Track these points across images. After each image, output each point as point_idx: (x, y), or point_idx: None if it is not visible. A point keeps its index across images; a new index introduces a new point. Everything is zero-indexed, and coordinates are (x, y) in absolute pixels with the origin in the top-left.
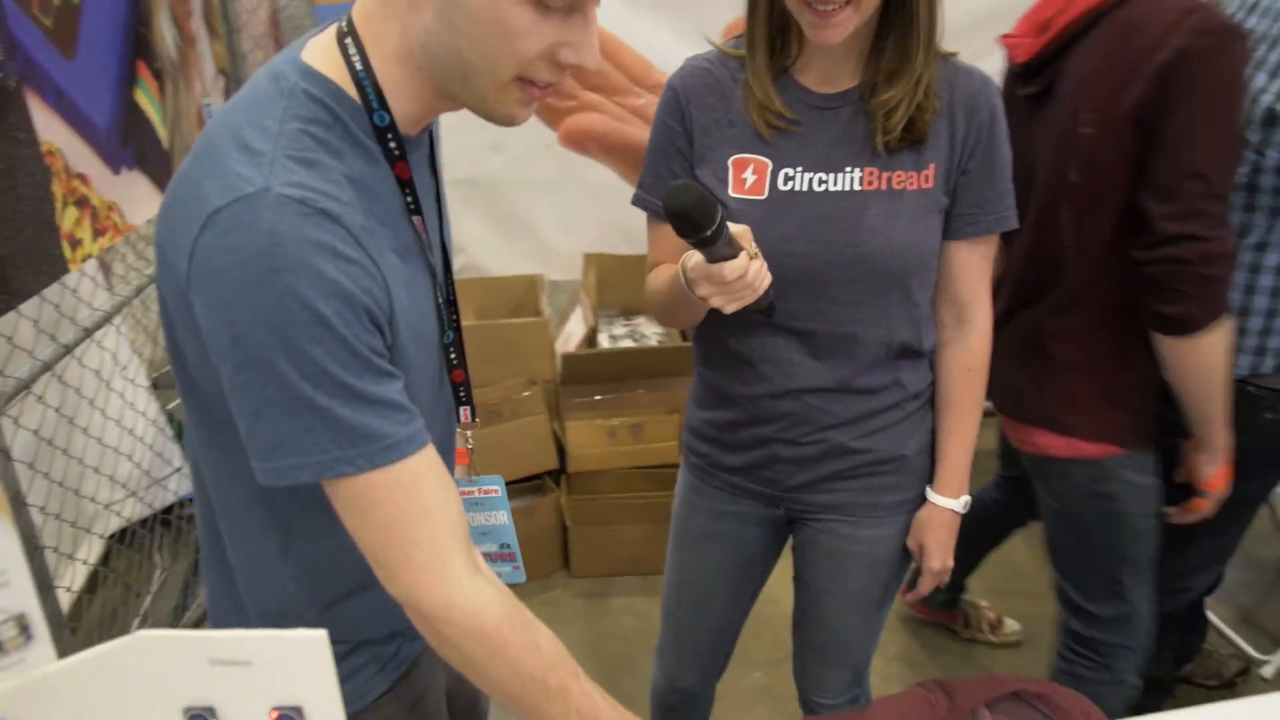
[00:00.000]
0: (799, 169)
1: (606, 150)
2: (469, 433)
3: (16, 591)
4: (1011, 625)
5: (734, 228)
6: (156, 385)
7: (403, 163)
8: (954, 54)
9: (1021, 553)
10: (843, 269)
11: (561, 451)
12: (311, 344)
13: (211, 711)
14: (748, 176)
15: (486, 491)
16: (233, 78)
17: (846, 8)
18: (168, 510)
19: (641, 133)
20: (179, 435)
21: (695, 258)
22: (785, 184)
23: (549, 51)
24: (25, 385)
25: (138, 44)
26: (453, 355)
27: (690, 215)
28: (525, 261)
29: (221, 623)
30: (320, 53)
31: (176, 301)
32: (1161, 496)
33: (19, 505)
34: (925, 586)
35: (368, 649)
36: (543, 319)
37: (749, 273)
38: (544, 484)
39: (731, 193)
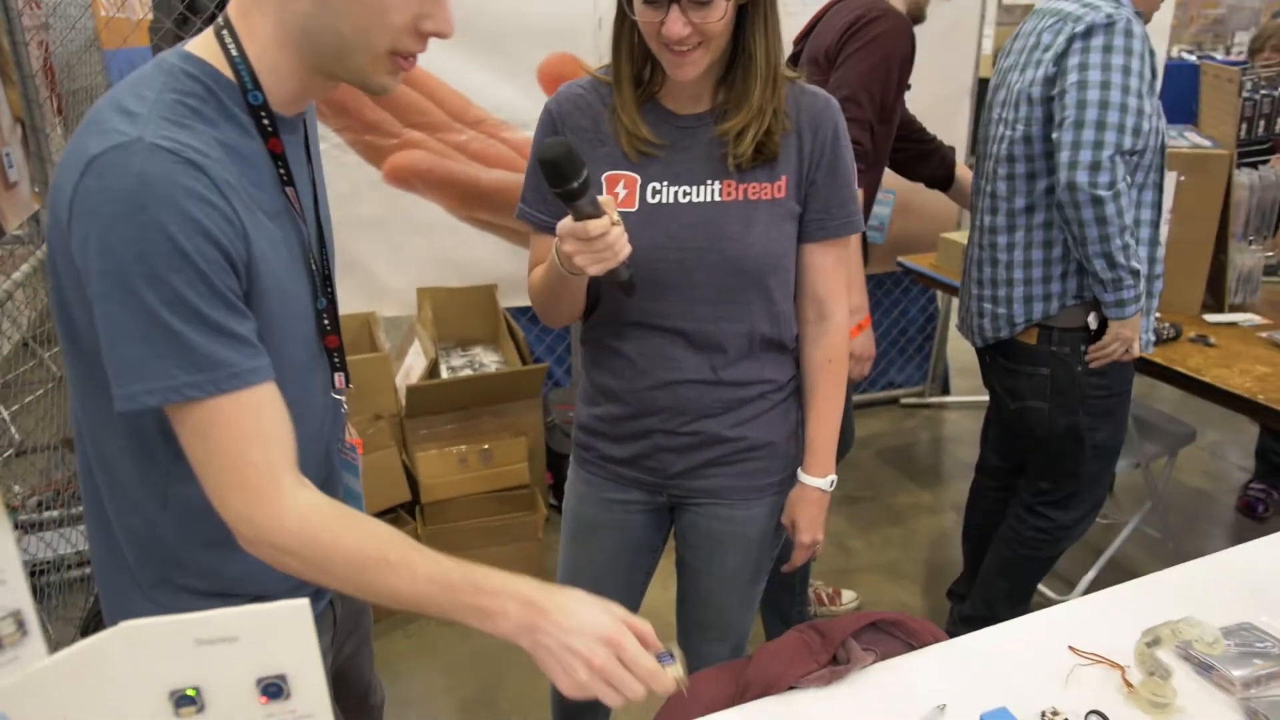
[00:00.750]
0: (665, 183)
1: (431, 185)
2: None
3: (13, 589)
4: (849, 595)
5: (601, 198)
6: None
7: (275, 139)
8: (798, 77)
9: (838, 534)
10: (707, 271)
11: (413, 483)
12: (171, 273)
13: (198, 691)
14: (619, 191)
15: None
16: (29, 125)
17: (697, 49)
18: None
19: (464, 167)
20: None
21: (566, 223)
22: (653, 197)
23: (412, 23)
24: None
25: None
26: (326, 321)
27: (559, 164)
28: (358, 299)
29: (110, 589)
30: (199, 44)
31: (63, 254)
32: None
33: None
34: (798, 558)
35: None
36: (382, 354)
37: (610, 234)
38: (398, 517)
39: None
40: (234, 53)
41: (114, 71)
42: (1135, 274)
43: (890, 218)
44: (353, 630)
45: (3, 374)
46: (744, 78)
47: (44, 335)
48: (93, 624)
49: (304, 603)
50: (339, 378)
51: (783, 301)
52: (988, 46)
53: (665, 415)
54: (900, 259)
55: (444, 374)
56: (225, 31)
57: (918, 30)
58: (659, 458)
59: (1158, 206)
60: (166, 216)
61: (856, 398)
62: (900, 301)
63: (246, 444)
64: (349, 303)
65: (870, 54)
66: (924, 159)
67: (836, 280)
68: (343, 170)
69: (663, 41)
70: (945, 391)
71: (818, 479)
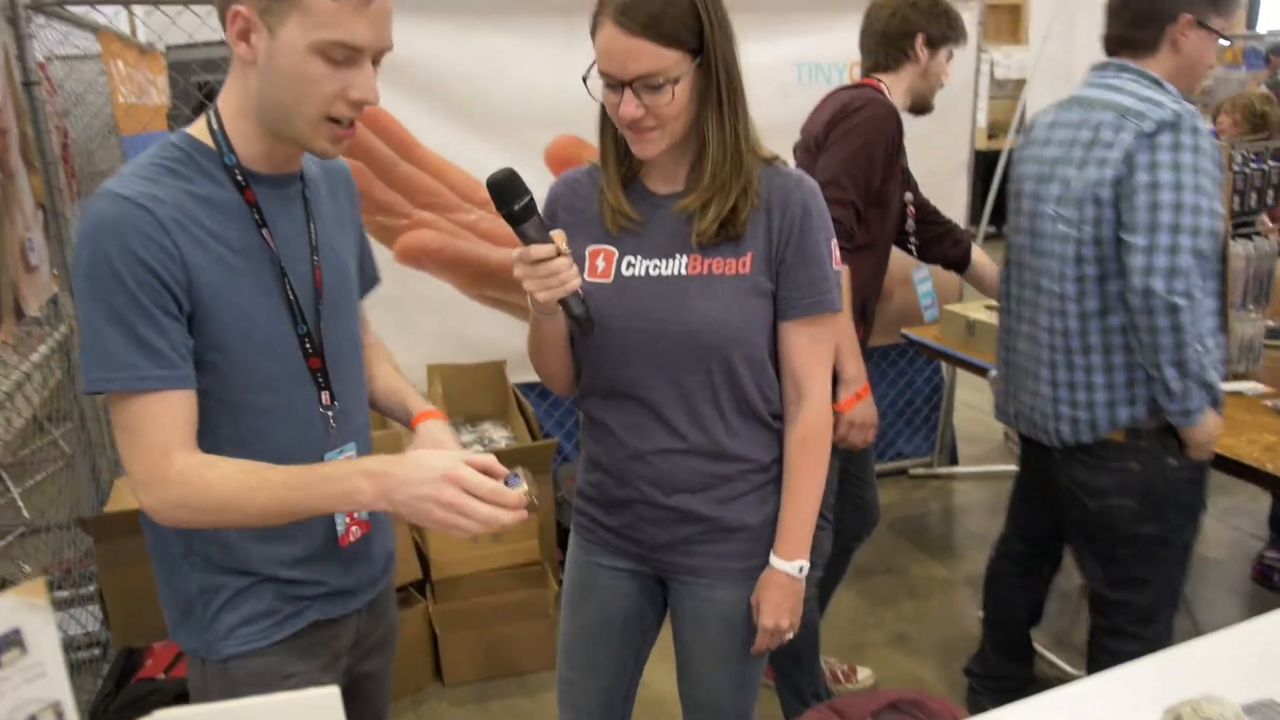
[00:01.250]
0: (639, 257)
1: (441, 264)
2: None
3: (53, 681)
4: (864, 672)
5: (553, 232)
6: None
7: (249, 190)
8: (775, 158)
9: (851, 609)
10: (671, 341)
11: (424, 561)
12: (109, 292)
13: None
14: (599, 263)
15: (348, 458)
16: (50, 209)
17: (654, 130)
18: None
19: (474, 246)
20: None
21: (518, 249)
22: (628, 270)
23: (340, 93)
24: None
25: None
26: (308, 345)
27: (503, 186)
28: None
29: (156, 555)
30: (196, 124)
31: None
32: None
33: None
34: (759, 643)
35: (268, 590)
36: (392, 431)
37: (555, 262)
38: (409, 595)
39: (586, 276)
40: (214, 126)
41: (130, 156)
42: (1206, 386)
43: (935, 293)
44: (374, 650)
45: (14, 452)
46: (700, 161)
47: (58, 413)
48: (101, 707)
49: (334, 690)
50: (325, 395)
51: (751, 376)
52: (981, 119)
53: (644, 486)
54: (904, 331)
55: None
56: (211, 112)
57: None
58: (642, 529)
59: (1222, 295)
60: (110, 246)
61: None
62: (906, 372)
63: (148, 430)
64: None
65: (853, 139)
66: (937, 241)
67: (813, 359)
68: None
69: (622, 121)
70: (953, 461)
71: (785, 562)
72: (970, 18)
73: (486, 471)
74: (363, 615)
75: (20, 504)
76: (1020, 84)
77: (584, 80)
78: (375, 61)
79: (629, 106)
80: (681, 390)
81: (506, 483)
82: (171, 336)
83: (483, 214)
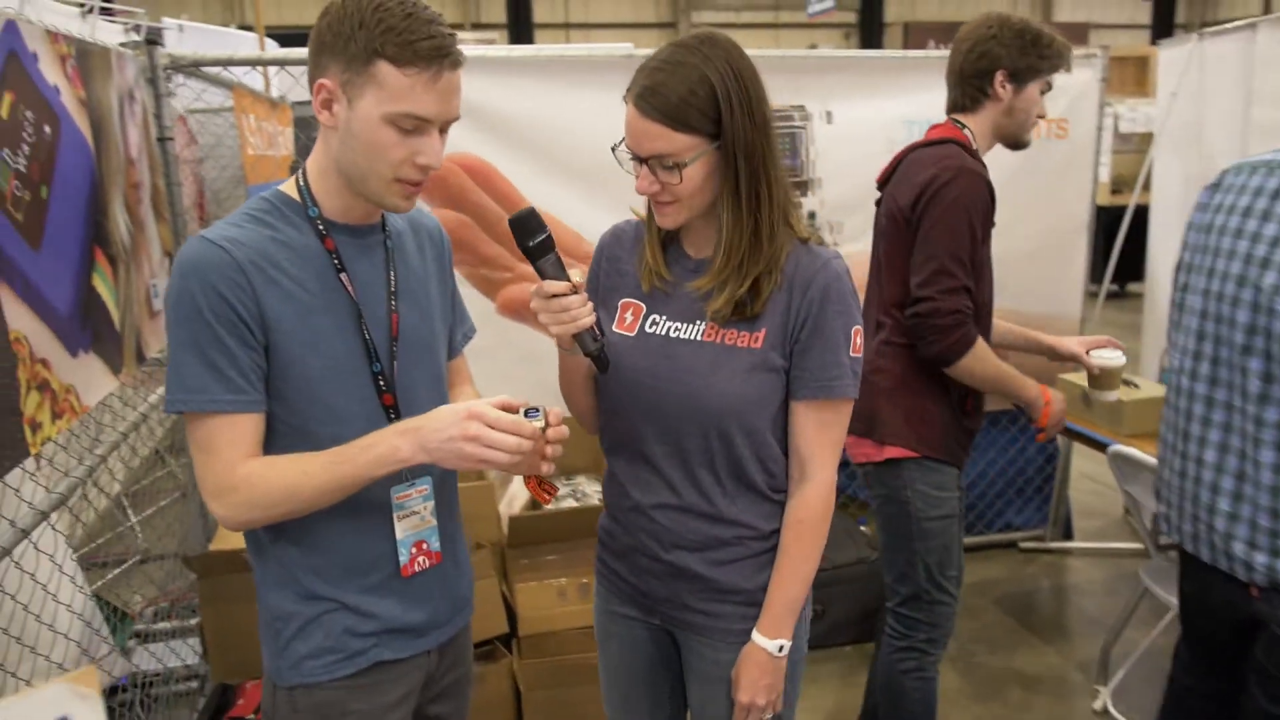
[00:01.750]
0: (664, 317)
1: None
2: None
3: None
4: None
5: (572, 270)
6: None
7: (329, 238)
8: (808, 239)
9: (952, 692)
10: (674, 403)
11: (511, 615)
12: (190, 322)
13: None
14: (628, 316)
15: (420, 491)
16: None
17: (673, 204)
18: (110, 695)
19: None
20: (109, 617)
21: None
22: (650, 327)
23: (409, 158)
24: None
25: (96, 232)
26: (381, 383)
27: (522, 222)
28: None
29: (261, 604)
30: (288, 181)
31: None
32: (954, 507)
33: None
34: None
35: (337, 623)
36: (488, 482)
37: (568, 299)
38: (494, 649)
39: (614, 327)
40: (301, 183)
41: None
42: None
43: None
44: (446, 694)
45: (136, 480)
46: (716, 243)
47: (175, 446)
48: None
49: None
50: None
51: (749, 448)
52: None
53: (645, 538)
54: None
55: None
56: (300, 170)
57: (1027, 162)
58: (645, 580)
59: None
60: (192, 282)
61: (970, 539)
62: (1018, 440)
63: (218, 448)
64: None
65: (950, 218)
66: None
67: (820, 443)
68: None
69: (640, 194)
70: (1068, 536)
71: (765, 639)
72: (1093, 73)
73: (507, 407)
74: (433, 657)
75: (138, 531)
76: (1146, 138)
77: (613, 151)
78: (443, 130)
79: (643, 181)
80: (680, 451)
81: (525, 414)
82: (242, 364)
83: (582, 268)
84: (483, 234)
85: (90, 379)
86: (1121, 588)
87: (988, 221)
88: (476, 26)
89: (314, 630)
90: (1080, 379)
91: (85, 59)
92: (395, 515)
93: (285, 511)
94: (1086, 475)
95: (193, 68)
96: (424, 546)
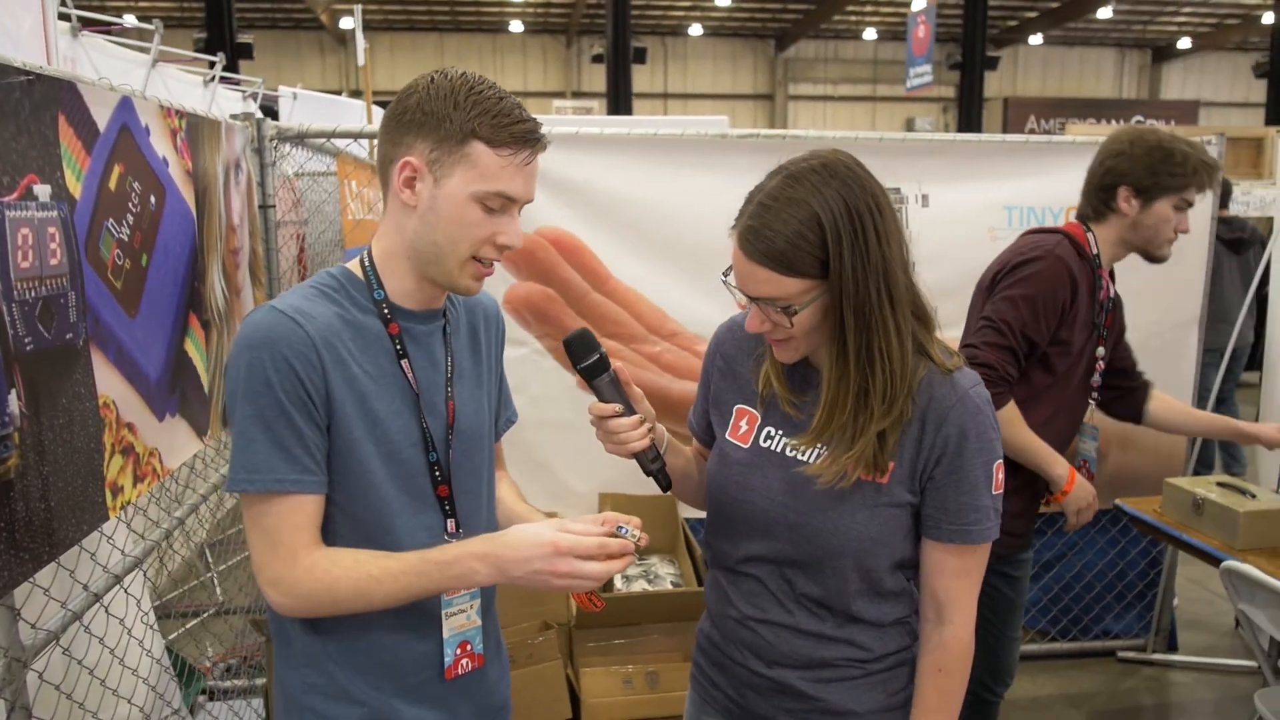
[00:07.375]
0: (780, 434)
1: None
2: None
3: None
4: None
5: (634, 391)
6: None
7: (394, 323)
8: (952, 370)
9: None
10: (787, 530)
11: (574, 699)
12: (258, 395)
13: None
14: (742, 425)
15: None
16: None
17: (787, 341)
18: None
19: (656, 378)
20: (179, 672)
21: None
22: (765, 441)
23: (490, 237)
24: (54, 637)
25: (192, 298)
26: (437, 473)
27: (572, 345)
28: (541, 500)
29: (285, 713)
30: (353, 260)
31: None
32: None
33: None
34: None
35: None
36: None
37: (615, 421)
38: None
39: (728, 435)
40: (366, 263)
41: None
42: None
43: (1096, 454)
44: None
45: (223, 530)
46: (822, 397)
47: None
48: None
49: None
50: (450, 523)
51: (865, 583)
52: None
53: (746, 652)
54: (1117, 501)
55: (618, 584)
56: (366, 251)
57: (1141, 262)
58: (745, 694)
59: None
60: (262, 354)
61: (1063, 645)
62: (1118, 541)
63: (280, 530)
64: (533, 502)
65: (1018, 290)
66: (1118, 400)
67: (959, 587)
68: (540, 374)
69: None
70: (1172, 648)
71: None
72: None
73: (607, 522)
74: None
75: (216, 584)
76: (1264, 223)
77: (723, 278)
78: (518, 210)
79: (754, 320)
80: (785, 576)
81: (618, 530)
82: (308, 442)
83: (667, 346)
84: (568, 309)
85: (175, 442)
86: (1233, 711)
87: (1060, 311)
88: (577, 95)
89: None
90: (1194, 485)
91: (195, 131)
92: (444, 613)
93: (346, 610)
94: (1194, 581)
95: (298, 139)
96: (468, 648)
